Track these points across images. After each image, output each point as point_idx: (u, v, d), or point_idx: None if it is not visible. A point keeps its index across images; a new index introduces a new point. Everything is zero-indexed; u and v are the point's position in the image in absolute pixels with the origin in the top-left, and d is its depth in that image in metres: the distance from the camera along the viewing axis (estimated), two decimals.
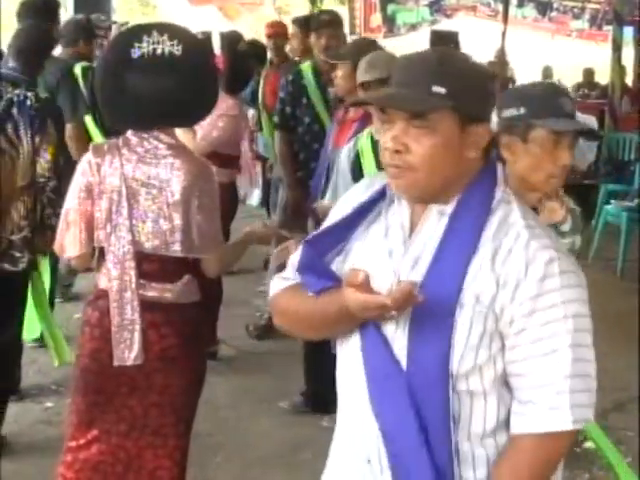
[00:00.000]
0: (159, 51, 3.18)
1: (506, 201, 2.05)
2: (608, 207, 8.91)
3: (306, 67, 6.49)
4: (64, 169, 4.84)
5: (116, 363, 3.25)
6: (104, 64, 3.36)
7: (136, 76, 3.20)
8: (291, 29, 7.74)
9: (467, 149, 2.01)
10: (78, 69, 6.56)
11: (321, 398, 4.96)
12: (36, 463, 4.58)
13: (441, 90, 1.96)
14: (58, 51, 6.64)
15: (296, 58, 7.80)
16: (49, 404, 5.35)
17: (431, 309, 1.93)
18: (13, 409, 4.88)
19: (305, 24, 7.60)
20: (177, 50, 3.19)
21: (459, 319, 1.94)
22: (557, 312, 1.91)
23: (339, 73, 5.12)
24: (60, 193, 4.36)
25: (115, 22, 8.62)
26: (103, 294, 3.36)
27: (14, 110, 4.49)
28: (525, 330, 1.93)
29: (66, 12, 10.37)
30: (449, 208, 2.05)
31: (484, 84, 2.08)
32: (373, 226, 2.18)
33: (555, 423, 1.91)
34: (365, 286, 1.90)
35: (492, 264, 1.95)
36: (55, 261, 5.19)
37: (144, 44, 3.18)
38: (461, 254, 1.98)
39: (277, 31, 8.65)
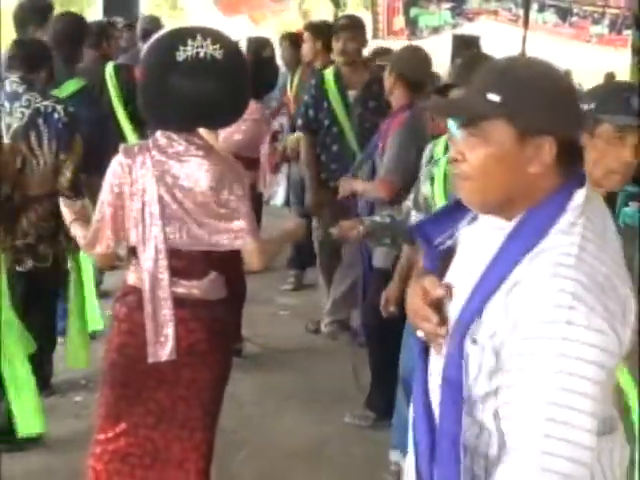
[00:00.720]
0: (202, 54, 3.20)
1: (566, 232, 1.85)
2: (626, 209, 8.81)
3: (328, 72, 6.53)
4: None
5: (151, 360, 3.28)
6: (147, 66, 3.36)
7: (180, 78, 3.22)
8: (304, 34, 7.72)
9: (528, 163, 1.87)
10: (110, 69, 6.61)
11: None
12: (65, 456, 4.61)
13: (496, 98, 1.86)
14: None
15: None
16: (78, 398, 5.37)
17: (454, 330, 1.90)
18: (43, 403, 4.91)
19: (316, 29, 7.65)
20: (219, 54, 3.22)
21: (469, 351, 1.87)
22: (545, 363, 1.73)
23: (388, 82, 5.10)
24: None
25: (125, 23, 8.55)
26: (131, 290, 3.40)
27: (40, 120, 4.54)
28: (512, 372, 1.80)
29: (96, 14, 10.44)
30: (509, 225, 1.93)
31: (551, 95, 1.88)
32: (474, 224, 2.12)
33: None
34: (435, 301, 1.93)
35: (506, 295, 1.83)
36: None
37: (188, 47, 3.20)
38: (492, 282, 1.87)
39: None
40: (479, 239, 2.06)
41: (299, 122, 6.81)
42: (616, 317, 1.77)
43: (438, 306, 1.96)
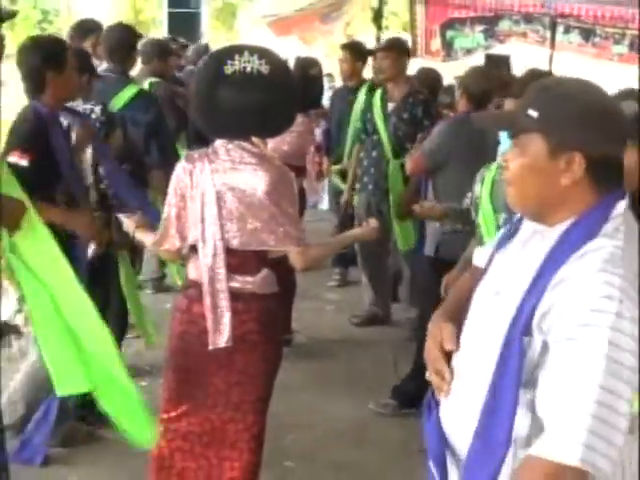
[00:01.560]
0: (249, 69, 3.18)
1: (610, 236, 1.82)
2: None
3: (378, 89, 6.60)
4: None
5: (210, 347, 3.28)
6: (199, 79, 3.37)
7: (227, 90, 3.20)
8: (341, 54, 7.74)
9: (560, 176, 1.84)
10: (146, 84, 6.56)
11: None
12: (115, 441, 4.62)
13: (534, 114, 1.86)
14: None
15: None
16: (143, 383, 5.35)
17: (511, 327, 1.85)
18: None
19: (353, 49, 7.70)
20: (265, 69, 3.20)
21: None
22: (596, 349, 1.68)
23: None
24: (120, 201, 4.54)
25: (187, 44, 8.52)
26: (192, 284, 3.40)
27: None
28: (559, 356, 1.74)
29: (161, 35, 10.49)
30: (551, 231, 1.91)
31: (584, 114, 1.84)
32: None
33: (562, 454, 1.67)
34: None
35: (550, 292, 1.78)
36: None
37: (236, 62, 3.18)
38: (544, 282, 1.81)
39: None
40: (520, 246, 2.05)
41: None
42: None
43: (449, 355, 2.03)
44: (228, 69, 3.18)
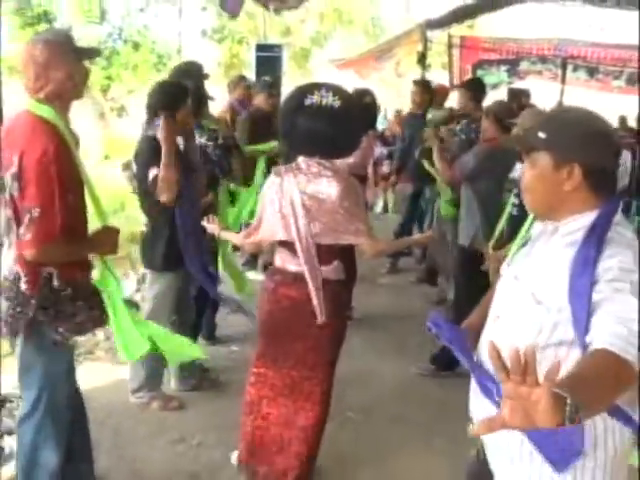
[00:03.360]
0: (324, 103, 3.18)
1: (625, 226, 1.93)
2: (638, 217, 8.51)
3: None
4: None
5: (320, 320, 3.30)
6: (285, 108, 3.35)
7: (305, 119, 3.20)
8: (412, 87, 7.82)
9: (563, 183, 1.91)
10: None
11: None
12: (218, 387, 4.78)
13: (543, 135, 1.92)
14: None
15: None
16: (234, 348, 5.41)
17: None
18: (210, 350, 5.00)
19: (422, 85, 7.94)
20: (336, 104, 3.19)
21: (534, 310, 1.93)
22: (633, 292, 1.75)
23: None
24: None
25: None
26: (277, 271, 3.43)
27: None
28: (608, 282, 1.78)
29: (250, 74, 10.55)
30: (559, 225, 1.97)
31: (581, 135, 1.90)
32: None
33: (626, 353, 1.62)
34: None
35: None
36: None
37: (315, 96, 3.19)
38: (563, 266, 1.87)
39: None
40: (530, 246, 2.12)
41: None
42: None
43: None
44: (307, 101, 3.19)
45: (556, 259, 1.92)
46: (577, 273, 1.82)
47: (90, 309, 2.99)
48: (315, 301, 3.29)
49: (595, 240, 1.85)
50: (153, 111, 4.16)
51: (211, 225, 3.76)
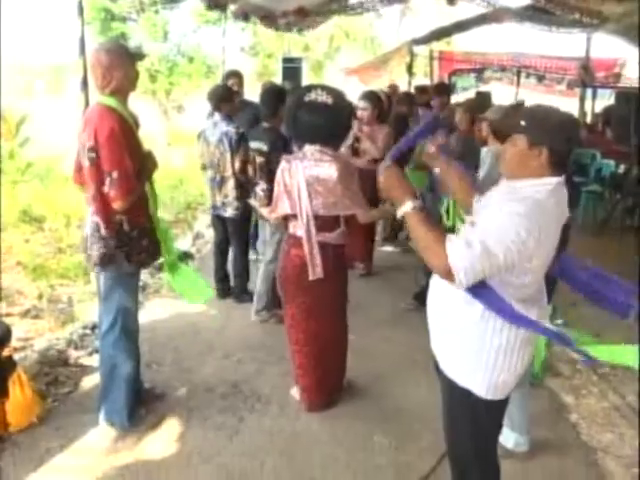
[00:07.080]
0: (319, 100, 3.09)
1: (540, 192, 1.94)
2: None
3: None
4: None
5: (311, 277, 3.22)
6: (289, 104, 3.25)
7: (304, 112, 3.12)
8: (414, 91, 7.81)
9: (533, 160, 1.96)
10: None
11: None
12: (242, 332, 4.67)
13: (523, 123, 1.96)
14: None
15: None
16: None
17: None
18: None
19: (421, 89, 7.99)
20: (329, 101, 3.10)
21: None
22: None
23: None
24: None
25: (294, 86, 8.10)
26: (291, 236, 3.33)
27: (224, 138, 4.58)
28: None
29: (278, 80, 10.39)
30: (514, 183, 2.02)
31: (550, 124, 1.93)
32: None
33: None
34: None
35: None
36: None
37: (312, 94, 3.11)
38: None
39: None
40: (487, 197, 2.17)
41: None
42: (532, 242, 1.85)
43: None
44: (306, 98, 3.10)
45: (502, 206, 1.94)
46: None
47: (151, 245, 3.09)
48: (309, 261, 3.20)
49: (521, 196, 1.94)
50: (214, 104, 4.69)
51: (253, 201, 3.81)
